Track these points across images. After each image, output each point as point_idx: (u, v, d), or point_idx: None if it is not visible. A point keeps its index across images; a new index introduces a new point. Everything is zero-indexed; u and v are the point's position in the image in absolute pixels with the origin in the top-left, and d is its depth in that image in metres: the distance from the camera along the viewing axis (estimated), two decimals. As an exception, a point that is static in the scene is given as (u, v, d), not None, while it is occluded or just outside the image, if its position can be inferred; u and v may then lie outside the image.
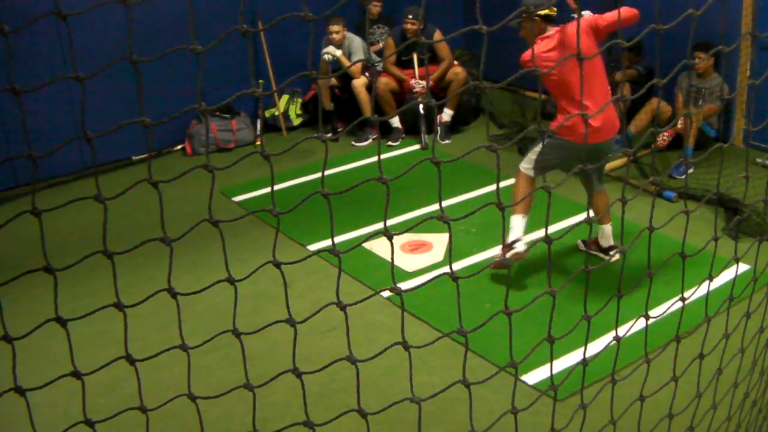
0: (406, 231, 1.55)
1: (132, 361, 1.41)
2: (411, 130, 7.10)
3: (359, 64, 7.03)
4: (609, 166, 6.07)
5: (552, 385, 1.70)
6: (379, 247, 4.79)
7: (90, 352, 3.54)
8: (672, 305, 2.07)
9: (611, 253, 4.54)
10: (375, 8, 7.60)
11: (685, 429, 2.21)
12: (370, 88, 7.04)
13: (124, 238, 2.00)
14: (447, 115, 7.16)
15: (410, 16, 6.81)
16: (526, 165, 4.42)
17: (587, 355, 1.73)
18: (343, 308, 1.43)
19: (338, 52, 6.84)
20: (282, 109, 7.40)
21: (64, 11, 1.14)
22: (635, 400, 1.96)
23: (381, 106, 7.05)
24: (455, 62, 7.22)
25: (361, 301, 1.58)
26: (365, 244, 4.94)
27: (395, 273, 1.51)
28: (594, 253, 4.62)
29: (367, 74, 7.09)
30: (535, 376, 3.57)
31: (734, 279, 2.20)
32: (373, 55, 7.37)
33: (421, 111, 6.93)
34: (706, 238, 1.97)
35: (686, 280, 1.94)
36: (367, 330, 4.01)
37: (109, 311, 1.37)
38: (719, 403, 2.27)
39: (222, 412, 3.40)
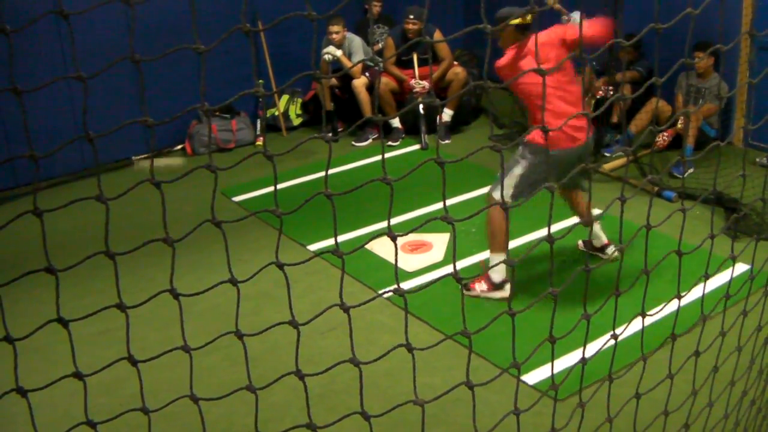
0: (411, 232, 1.55)
1: (134, 362, 1.41)
2: (411, 130, 7.11)
3: (359, 64, 7.03)
4: (609, 165, 6.08)
5: (553, 385, 1.70)
6: (380, 247, 4.79)
7: (91, 353, 3.54)
8: (670, 304, 2.07)
9: (607, 251, 4.54)
10: (375, 8, 7.60)
11: (680, 426, 2.21)
12: (370, 88, 7.04)
13: (125, 239, 1.99)
14: (447, 115, 7.16)
15: (411, 16, 6.81)
16: (506, 191, 4.08)
17: (587, 355, 1.73)
18: (346, 310, 1.43)
19: (338, 52, 6.84)
20: (282, 109, 7.40)
21: (65, 10, 1.14)
22: (630, 398, 1.96)
23: (381, 106, 7.05)
24: (455, 62, 7.22)
25: (364, 303, 1.58)
26: (366, 245, 4.95)
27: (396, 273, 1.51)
28: (593, 252, 4.62)
29: (367, 74, 7.09)
30: (535, 376, 3.57)
31: (731, 278, 2.20)
32: (374, 55, 7.37)
33: (422, 111, 6.93)
34: (705, 237, 1.97)
35: (685, 279, 1.94)
36: (369, 330, 4.01)
37: (111, 312, 1.37)
38: (715, 401, 2.27)
39: (223, 413, 3.40)
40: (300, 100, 7.51)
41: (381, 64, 7.12)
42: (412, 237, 5.00)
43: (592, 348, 1.77)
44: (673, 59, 1.77)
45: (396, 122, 7.10)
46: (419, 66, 7.00)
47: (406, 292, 1.43)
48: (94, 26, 6.08)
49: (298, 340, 1.46)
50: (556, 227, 4.84)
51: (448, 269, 4.76)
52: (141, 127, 1.27)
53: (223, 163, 1.40)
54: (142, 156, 6.74)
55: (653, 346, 2.05)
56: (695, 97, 6.12)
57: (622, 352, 1.99)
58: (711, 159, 5.69)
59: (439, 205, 5.43)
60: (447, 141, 7.09)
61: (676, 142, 6.24)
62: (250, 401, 1.54)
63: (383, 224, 5.16)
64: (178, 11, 6.20)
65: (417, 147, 6.91)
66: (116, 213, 1.29)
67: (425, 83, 6.93)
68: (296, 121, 7.48)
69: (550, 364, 1.73)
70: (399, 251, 4.84)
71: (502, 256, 4.15)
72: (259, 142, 7.20)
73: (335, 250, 1.39)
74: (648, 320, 1.89)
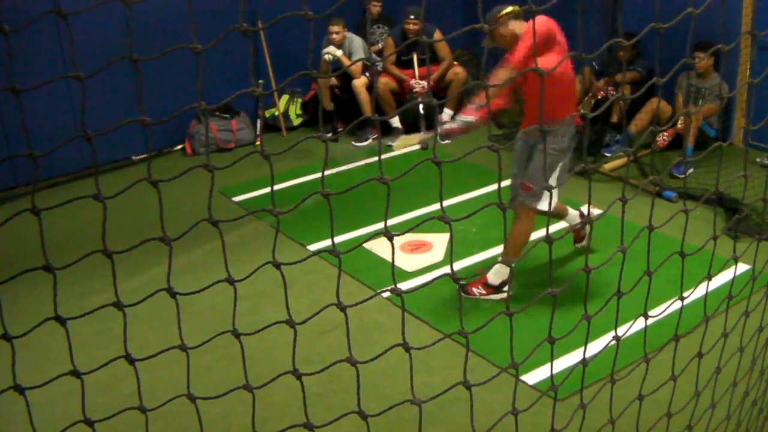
0: (407, 231, 1.55)
1: (131, 361, 1.40)
2: (411, 130, 7.10)
3: (359, 64, 7.03)
4: (609, 166, 6.08)
5: (552, 386, 1.70)
6: (379, 247, 4.79)
7: (89, 352, 3.54)
8: (672, 305, 2.07)
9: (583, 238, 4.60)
10: (375, 8, 7.60)
11: (683, 428, 2.21)
12: (370, 88, 7.05)
13: (123, 238, 1.99)
14: (447, 115, 7.15)
15: (412, 17, 6.81)
16: (555, 198, 3.97)
17: (588, 355, 1.73)
18: (343, 309, 1.42)
19: (339, 52, 6.84)
20: (282, 109, 7.40)
21: (64, 10, 1.14)
22: (634, 399, 1.96)
23: (381, 106, 7.05)
24: (455, 62, 7.22)
25: (361, 302, 1.57)
26: (365, 244, 4.94)
27: (395, 273, 1.51)
28: (580, 246, 4.64)
29: (367, 74, 7.10)
30: (535, 376, 3.57)
31: (733, 278, 2.20)
32: (374, 55, 7.37)
33: (421, 111, 6.92)
34: (706, 237, 1.97)
35: (687, 280, 1.94)
36: (367, 330, 4.01)
37: (109, 310, 1.37)
38: (718, 402, 2.27)
39: (221, 412, 3.40)
40: (300, 100, 7.51)
41: (381, 64, 7.13)
42: (413, 237, 5.00)
43: (593, 348, 1.77)
44: (673, 59, 1.77)
45: (396, 122, 7.10)
46: (419, 66, 7.00)
47: (404, 292, 1.43)
48: (94, 26, 6.08)
49: (294, 339, 1.46)
50: (555, 227, 4.84)
51: (449, 269, 4.76)
52: (140, 126, 1.27)
53: (223, 163, 1.40)
54: (142, 156, 6.73)
55: (655, 346, 2.05)
56: (695, 97, 6.12)
57: (623, 353, 1.99)
58: (711, 159, 5.68)
59: (438, 206, 5.43)
60: (447, 141, 7.08)
61: (677, 142, 6.24)
62: (248, 400, 1.54)
63: (382, 224, 5.17)
64: (177, 11, 6.19)
65: (417, 147, 6.91)
66: (116, 213, 1.29)
67: (425, 83, 6.93)
68: (296, 121, 7.48)
69: (550, 365, 1.72)
70: (399, 251, 4.84)
71: (510, 263, 4.13)
72: (260, 142, 7.20)
73: (332, 250, 1.39)
74: (649, 321, 1.89)
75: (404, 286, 4.45)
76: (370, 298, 1.61)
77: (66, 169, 6.36)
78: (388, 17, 7.72)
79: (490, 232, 5.04)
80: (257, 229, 5.22)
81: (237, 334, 1.48)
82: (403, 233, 1.54)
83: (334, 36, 6.85)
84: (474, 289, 4.26)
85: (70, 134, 1.23)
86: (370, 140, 7.09)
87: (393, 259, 1.41)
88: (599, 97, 6.52)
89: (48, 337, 1.88)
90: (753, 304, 2.23)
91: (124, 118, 1.31)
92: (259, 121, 7.33)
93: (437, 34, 6.84)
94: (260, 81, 7.17)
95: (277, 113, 7.35)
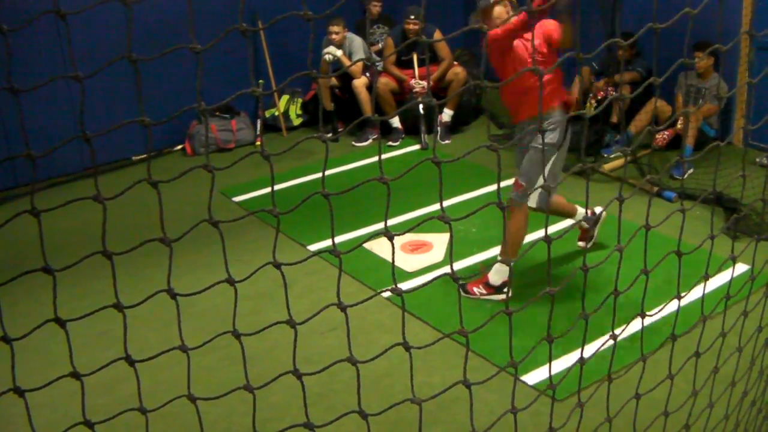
0: (407, 231, 1.55)
1: (131, 362, 1.40)
2: (411, 130, 7.11)
3: (360, 64, 7.03)
4: (608, 166, 6.08)
5: (551, 385, 1.70)
6: (379, 247, 4.79)
7: (89, 353, 3.54)
8: (669, 304, 2.07)
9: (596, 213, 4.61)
10: (375, 8, 7.61)
11: (681, 427, 2.21)
12: (370, 88, 7.05)
13: (123, 239, 1.99)
14: (447, 115, 7.16)
15: (412, 17, 6.81)
16: (534, 195, 4.05)
17: (587, 355, 1.73)
18: (343, 309, 1.43)
19: (339, 52, 6.84)
20: (282, 110, 7.40)
21: (63, 10, 1.14)
22: (630, 398, 1.96)
23: (381, 106, 7.06)
24: (455, 62, 7.23)
25: (361, 302, 1.57)
26: (365, 244, 4.94)
27: (395, 273, 1.51)
28: (582, 244, 4.65)
29: (367, 74, 7.10)
30: (535, 376, 3.56)
31: (731, 278, 2.20)
32: (373, 55, 7.37)
33: (421, 111, 6.93)
34: (705, 237, 1.97)
35: (686, 280, 1.94)
36: (368, 330, 4.01)
37: (110, 312, 1.37)
38: (716, 402, 2.27)
39: (222, 413, 3.40)
40: (300, 100, 7.51)
41: (381, 65, 7.13)
42: (413, 237, 5.00)
43: (591, 348, 1.77)
44: (672, 59, 1.77)
45: (396, 122, 7.10)
46: (419, 66, 7.01)
47: (404, 292, 1.43)
48: (93, 26, 6.08)
49: (295, 339, 1.46)
50: (554, 228, 4.84)
51: (449, 269, 4.76)
52: (140, 126, 1.27)
53: (223, 163, 1.40)
54: (142, 156, 6.73)
55: (653, 346, 2.05)
56: (695, 97, 6.13)
57: (621, 353, 1.99)
58: (711, 159, 5.69)
59: (439, 206, 5.43)
60: (447, 141, 7.09)
61: (676, 142, 6.25)
62: (249, 401, 1.54)
63: (383, 224, 5.17)
64: (177, 11, 6.20)
65: (417, 147, 6.92)
66: (116, 213, 1.29)
67: (425, 83, 6.94)
68: (296, 122, 7.48)
69: (548, 364, 1.72)
70: (399, 251, 4.84)
71: (510, 263, 4.14)
72: (260, 142, 7.21)
73: (332, 250, 1.39)
74: (647, 320, 1.89)
75: (404, 286, 4.43)
76: (371, 297, 1.61)
77: (66, 170, 6.36)
78: (388, 17, 7.72)
79: (490, 232, 5.04)
80: (258, 229, 5.22)
81: (237, 335, 1.48)
82: (404, 233, 1.54)
83: (334, 36, 6.85)
84: (474, 289, 4.26)
85: (70, 134, 1.23)
86: (370, 140, 7.09)
87: (393, 259, 1.41)
88: (599, 97, 6.52)
89: (48, 340, 1.88)
90: (751, 304, 2.23)
91: (124, 118, 1.31)
92: (259, 122, 7.33)
93: (437, 34, 6.84)
94: (260, 81, 7.17)
95: (277, 113, 7.35)
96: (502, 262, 4.24)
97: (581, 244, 4.74)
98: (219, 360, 3.73)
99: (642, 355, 1.91)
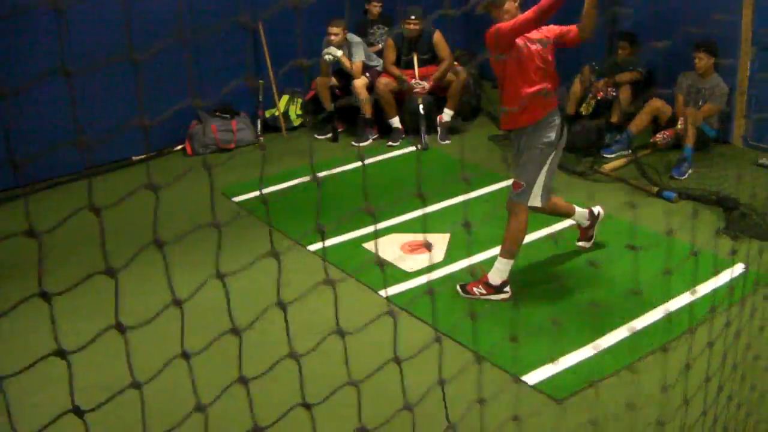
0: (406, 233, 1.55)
1: (138, 386, 1.40)
2: (411, 130, 7.10)
3: (360, 64, 7.03)
4: (609, 166, 6.08)
5: (550, 386, 1.70)
6: (379, 247, 4.79)
7: (91, 355, 3.53)
8: (669, 303, 2.07)
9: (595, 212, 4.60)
10: (375, 8, 7.60)
11: (654, 422, 2.20)
12: (370, 88, 7.05)
13: (123, 240, 1.99)
14: (447, 115, 7.15)
15: (413, 17, 6.81)
16: (535, 194, 4.09)
17: (598, 351, 1.73)
18: (343, 336, 1.44)
19: (339, 53, 6.84)
20: (282, 110, 7.40)
21: (61, 5, 1.14)
22: (626, 402, 1.96)
23: (381, 106, 7.05)
24: (455, 62, 7.22)
25: (362, 328, 1.57)
26: (365, 244, 4.95)
27: (395, 273, 1.51)
28: (582, 244, 4.65)
29: (367, 75, 7.10)
30: (535, 376, 3.56)
31: (730, 278, 2.20)
32: (373, 55, 7.37)
33: (422, 111, 6.93)
34: (706, 237, 1.97)
35: (685, 279, 1.94)
36: (368, 330, 4.00)
37: (109, 312, 1.37)
38: (691, 399, 2.26)
39: (222, 413, 3.39)
40: (300, 101, 7.51)
41: (381, 65, 7.13)
42: (413, 237, 5.00)
43: (589, 350, 1.77)
44: (672, 59, 1.77)
45: (396, 122, 7.10)
46: (419, 66, 7.00)
47: (403, 293, 1.43)
48: (93, 26, 6.06)
49: (288, 335, 1.46)
50: (554, 228, 4.84)
51: (449, 269, 4.76)
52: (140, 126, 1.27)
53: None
54: (142, 156, 6.73)
55: (646, 343, 2.05)
56: (695, 97, 6.12)
57: (619, 353, 1.99)
58: (711, 159, 5.69)
59: (439, 206, 5.43)
60: (447, 141, 7.09)
61: (676, 141, 6.24)
62: (249, 400, 1.54)
63: (383, 224, 5.16)
64: (176, 10, 6.20)
65: (417, 147, 6.92)
66: (114, 214, 1.29)
67: (425, 83, 6.94)
68: (296, 122, 7.47)
69: (550, 365, 1.73)
70: (400, 252, 4.84)
71: (510, 262, 4.16)
72: (262, 139, 7.21)
73: (318, 225, 1.39)
74: (644, 322, 1.89)
75: (404, 286, 4.48)
76: (373, 320, 1.61)
77: (66, 170, 6.35)
78: (388, 17, 7.71)
79: (490, 232, 5.04)
80: (258, 230, 5.21)
81: (237, 332, 1.48)
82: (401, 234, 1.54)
83: (334, 37, 6.85)
84: (475, 289, 4.26)
85: (71, 135, 1.23)
86: (370, 140, 7.09)
87: (382, 263, 1.41)
88: (599, 97, 6.52)
89: (40, 338, 1.87)
90: (750, 305, 2.23)
91: (124, 117, 1.31)
92: (259, 122, 7.32)
93: (437, 35, 6.83)
94: (260, 81, 7.17)
95: (277, 113, 7.35)
96: (501, 261, 4.24)
97: (581, 244, 4.73)
98: (220, 360, 3.72)
99: (636, 361, 1.91)
